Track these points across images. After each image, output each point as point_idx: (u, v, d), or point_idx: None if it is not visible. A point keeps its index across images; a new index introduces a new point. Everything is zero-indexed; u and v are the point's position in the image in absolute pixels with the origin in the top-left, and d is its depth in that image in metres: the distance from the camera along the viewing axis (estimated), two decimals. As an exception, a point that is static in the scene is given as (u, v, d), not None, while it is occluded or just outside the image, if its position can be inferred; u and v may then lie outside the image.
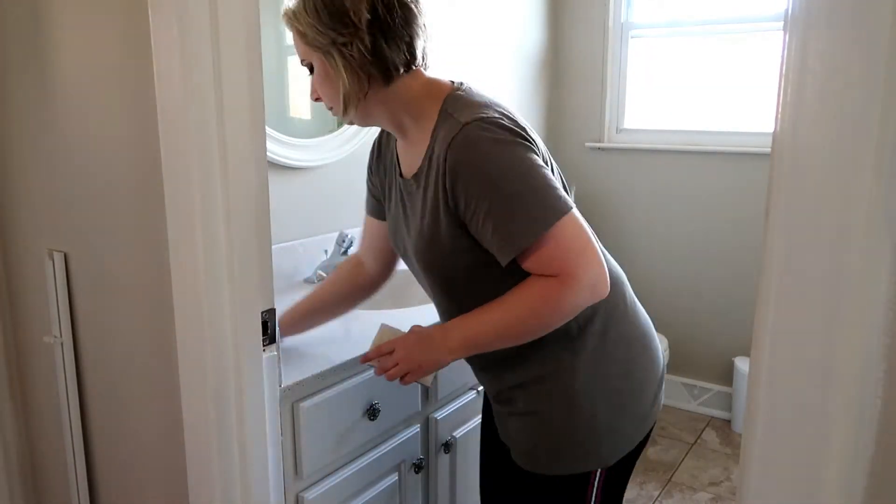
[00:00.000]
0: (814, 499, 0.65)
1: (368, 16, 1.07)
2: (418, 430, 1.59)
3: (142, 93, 1.13)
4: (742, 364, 2.91)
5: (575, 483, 1.21)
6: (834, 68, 0.58)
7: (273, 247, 1.19)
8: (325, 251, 2.01)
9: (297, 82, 2.04)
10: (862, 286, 0.59)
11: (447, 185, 1.08)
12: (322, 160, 2.02)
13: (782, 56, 0.61)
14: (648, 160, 3.07)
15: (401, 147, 1.24)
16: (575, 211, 1.08)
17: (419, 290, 2.06)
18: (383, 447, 1.50)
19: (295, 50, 1.16)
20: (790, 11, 0.60)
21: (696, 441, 2.83)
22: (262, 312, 1.14)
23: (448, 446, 1.68)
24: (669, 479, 2.54)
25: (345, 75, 1.10)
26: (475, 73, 2.68)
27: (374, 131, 2.20)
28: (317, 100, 1.20)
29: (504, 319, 1.10)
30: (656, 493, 2.46)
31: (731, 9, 2.87)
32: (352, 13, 1.06)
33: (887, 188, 0.57)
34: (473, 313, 1.13)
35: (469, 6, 2.60)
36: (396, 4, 1.09)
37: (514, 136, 1.07)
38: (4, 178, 1.49)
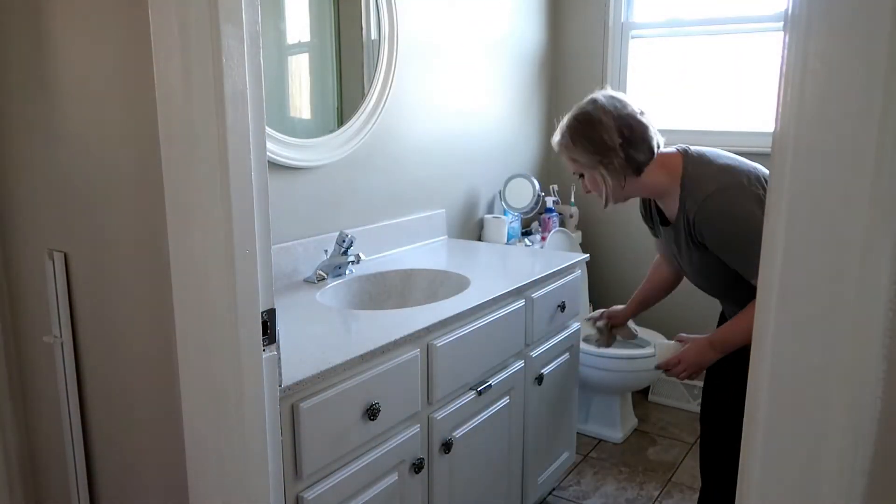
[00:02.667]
0: (814, 498, 0.65)
1: (619, 139, 1.55)
2: (418, 430, 1.59)
3: (142, 93, 1.13)
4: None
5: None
6: (834, 68, 0.57)
7: (273, 247, 1.19)
8: (325, 251, 2.01)
9: (297, 82, 2.05)
10: (862, 286, 0.59)
11: (697, 235, 1.57)
12: (322, 160, 2.02)
13: (782, 56, 0.61)
14: (648, 160, 3.06)
15: (659, 203, 1.69)
16: None
17: (419, 291, 2.06)
18: (383, 447, 1.50)
19: (566, 164, 1.67)
20: (790, 11, 0.60)
21: (696, 441, 2.83)
22: (262, 312, 1.14)
23: (448, 446, 1.68)
24: (669, 479, 2.55)
25: (609, 180, 1.60)
26: (475, 73, 2.68)
27: (372, 134, 2.20)
28: (588, 192, 1.68)
29: (747, 326, 1.45)
30: (656, 493, 2.46)
31: (731, 9, 2.87)
32: (608, 141, 1.55)
33: (887, 188, 0.57)
34: (727, 326, 1.63)
35: (469, 6, 2.60)
36: (633, 124, 1.56)
37: (737, 200, 1.49)
38: (4, 178, 1.49)
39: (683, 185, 1.57)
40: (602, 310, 2.06)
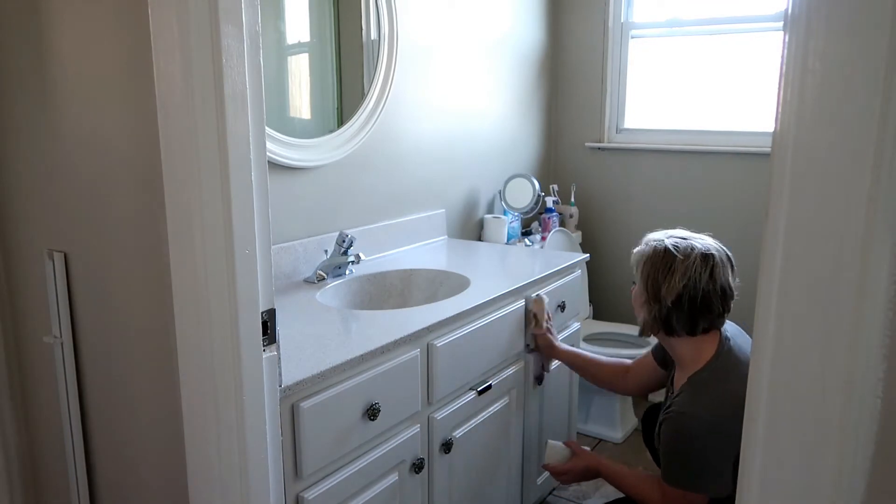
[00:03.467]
0: (814, 498, 0.65)
1: (671, 301, 1.56)
2: (418, 430, 1.59)
3: (142, 93, 1.13)
4: (742, 364, 2.91)
5: None
6: (834, 68, 0.58)
7: (273, 247, 1.19)
8: (325, 251, 2.01)
9: (297, 82, 2.05)
10: (862, 286, 0.59)
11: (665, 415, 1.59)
12: (322, 160, 2.02)
13: (782, 56, 0.61)
14: (648, 160, 3.07)
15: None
16: (702, 495, 1.53)
17: (419, 291, 2.06)
18: (383, 447, 1.50)
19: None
20: (790, 11, 0.60)
21: (696, 441, 2.83)
22: (262, 312, 1.14)
23: (448, 446, 1.68)
24: (669, 479, 2.54)
25: (646, 314, 1.63)
26: (475, 73, 2.68)
27: (372, 134, 2.20)
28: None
29: (626, 482, 1.71)
30: (656, 493, 2.46)
31: (731, 9, 2.87)
32: (663, 292, 1.57)
33: (887, 188, 0.57)
34: (619, 470, 1.74)
35: (469, 6, 2.60)
36: (696, 300, 1.55)
37: (696, 434, 1.50)
38: (4, 178, 1.49)
39: (689, 384, 1.57)
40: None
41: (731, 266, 1.63)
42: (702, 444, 1.50)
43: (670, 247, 1.59)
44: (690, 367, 1.60)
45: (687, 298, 1.55)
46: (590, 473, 1.80)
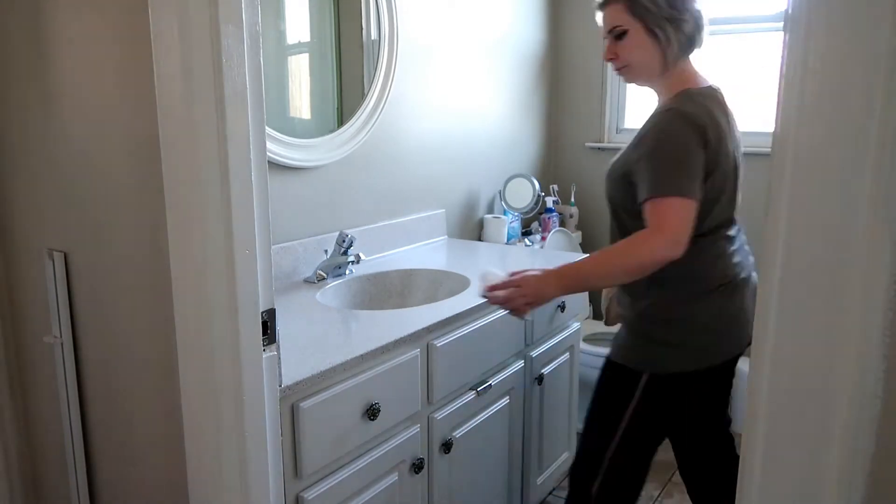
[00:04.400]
0: (814, 498, 0.65)
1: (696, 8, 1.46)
2: (418, 430, 1.59)
3: (142, 93, 1.13)
4: (742, 364, 2.90)
5: (632, 377, 1.55)
6: (834, 68, 0.58)
7: (273, 247, 1.19)
8: (325, 251, 2.01)
9: (297, 82, 2.05)
10: (862, 286, 0.59)
11: (638, 137, 1.48)
12: (322, 160, 2.02)
13: (782, 56, 0.61)
14: (648, 160, 3.06)
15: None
16: (692, 198, 1.37)
17: (419, 291, 2.06)
18: (383, 447, 1.50)
19: (603, 18, 1.52)
20: (790, 11, 0.60)
21: (696, 441, 2.82)
22: (262, 312, 1.14)
23: (448, 446, 1.68)
24: (669, 479, 2.54)
25: (673, 44, 1.48)
26: (475, 72, 2.68)
27: (372, 134, 2.20)
28: (610, 60, 1.55)
29: (596, 259, 1.51)
30: (656, 493, 2.46)
31: (731, 9, 2.87)
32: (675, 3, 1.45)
33: (887, 188, 0.57)
34: (581, 261, 1.55)
35: (469, 6, 2.60)
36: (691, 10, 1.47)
37: (689, 123, 1.40)
38: (4, 178, 1.49)
39: (681, 92, 1.50)
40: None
41: None
42: (688, 139, 1.39)
43: None
44: (666, 96, 1.53)
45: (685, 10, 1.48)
46: (549, 281, 1.48)
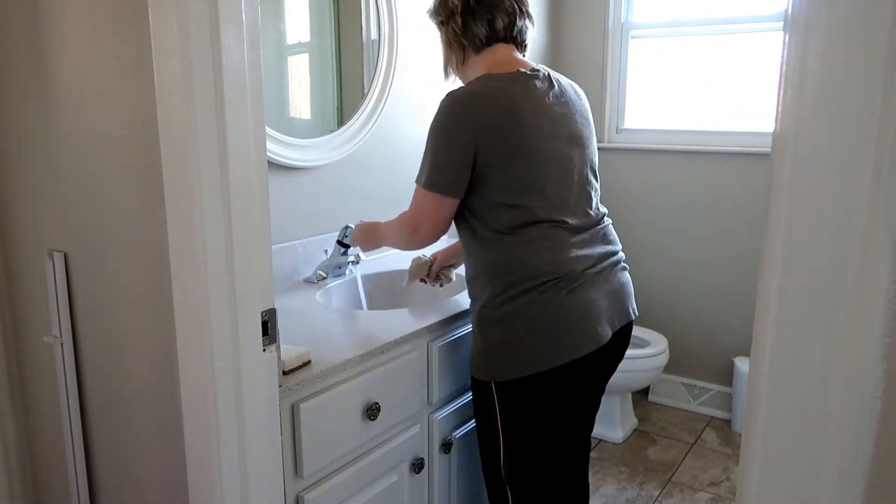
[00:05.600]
0: (814, 499, 0.65)
1: (460, 2, 1.46)
2: (418, 430, 1.59)
3: (142, 92, 1.13)
4: (742, 364, 2.91)
5: (486, 388, 1.52)
6: (834, 68, 0.58)
7: (273, 247, 1.19)
8: (325, 251, 2.01)
9: (297, 82, 2.05)
10: (862, 286, 0.59)
11: None
12: (322, 160, 2.02)
13: (782, 56, 0.61)
14: (648, 160, 3.07)
15: None
16: (436, 192, 1.42)
17: (418, 292, 2.06)
18: (383, 447, 1.50)
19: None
20: (790, 11, 0.60)
21: (696, 441, 2.83)
22: (262, 312, 1.14)
23: (448, 446, 1.68)
24: (669, 479, 2.54)
25: (446, 48, 1.55)
26: (475, 73, 2.68)
27: (372, 134, 2.20)
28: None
29: (390, 226, 1.62)
30: (656, 493, 2.46)
31: (731, 9, 2.87)
32: (449, 1, 1.48)
33: (887, 188, 0.57)
34: (381, 224, 1.68)
35: (469, 6, 2.59)
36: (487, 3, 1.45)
37: (448, 120, 1.39)
38: (4, 178, 1.49)
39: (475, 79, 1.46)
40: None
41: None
42: (451, 129, 1.38)
43: None
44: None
45: None
46: (356, 237, 1.75)
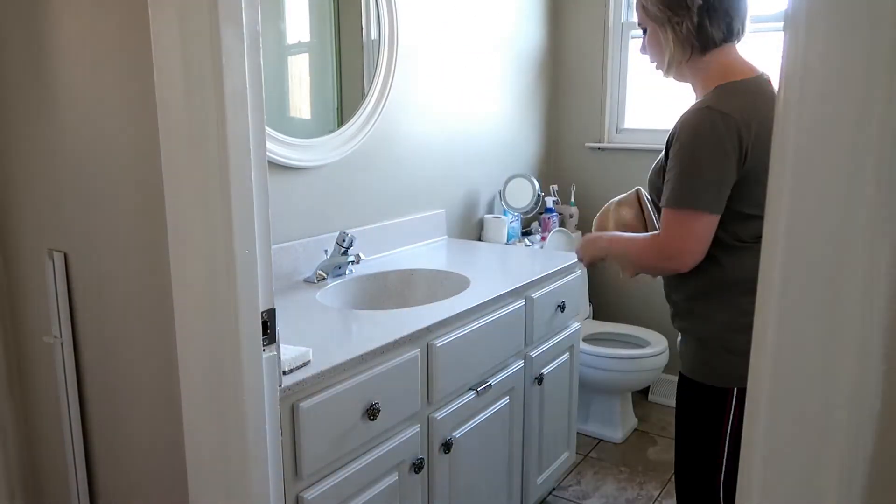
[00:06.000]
0: (814, 499, 0.65)
1: (700, 1, 1.36)
2: (418, 430, 1.59)
3: (142, 93, 1.13)
4: (742, 364, 2.90)
5: (718, 395, 1.43)
6: (834, 68, 0.57)
7: (273, 247, 1.19)
8: (325, 251, 2.01)
9: (297, 82, 2.05)
10: (862, 286, 0.59)
11: (672, 133, 1.42)
12: (322, 160, 2.02)
13: (782, 56, 0.61)
14: (648, 160, 3.05)
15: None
16: (705, 214, 1.34)
17: (419, 291, 2.06)
18: (383, 447, 1.50)
19: (635, 11, 1.52)
20: (790, 11, 0.60)
21: (696, 441, 2.83)
22: (262, 312, 1.14)
23: (448, 446, 1.68)
24: (669, 479, 2.54)
25: (672, 45, 1.44)
26: (475, 73, 2.68)
27: (372, 134, 2.20)
28: (643, 52, 1.56)
29: (633, 243, 1.49)
30: (656, 493, 2.46)
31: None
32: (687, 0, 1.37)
33: (887, 189, 0.57)
34: (628, 235, 1.54)
35: (469, 7, 2.60)
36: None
37: (720, 124, 1.32)
38: (4, 179, 1.49)
39: (719, 87, 1.38)
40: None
41: None
42: (715, 143, 1.31)
43: None
44: (702, 92, 1.43)
45: None
46: (596, 242, 1.59)
